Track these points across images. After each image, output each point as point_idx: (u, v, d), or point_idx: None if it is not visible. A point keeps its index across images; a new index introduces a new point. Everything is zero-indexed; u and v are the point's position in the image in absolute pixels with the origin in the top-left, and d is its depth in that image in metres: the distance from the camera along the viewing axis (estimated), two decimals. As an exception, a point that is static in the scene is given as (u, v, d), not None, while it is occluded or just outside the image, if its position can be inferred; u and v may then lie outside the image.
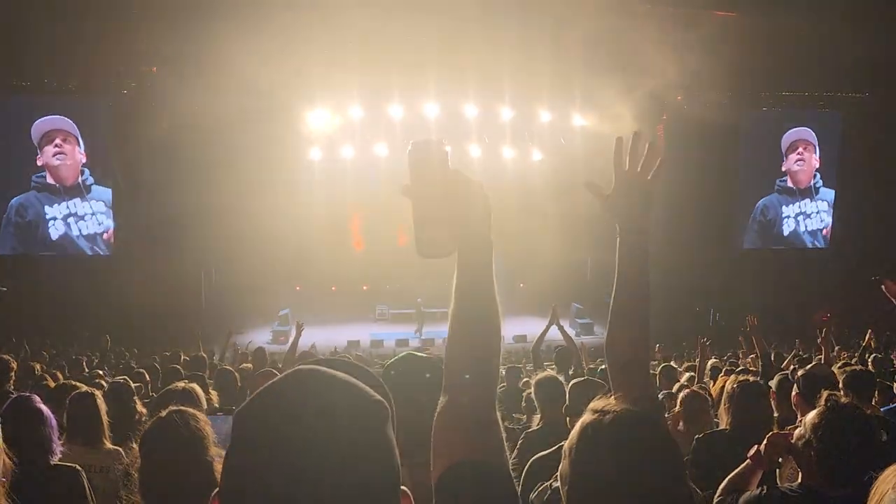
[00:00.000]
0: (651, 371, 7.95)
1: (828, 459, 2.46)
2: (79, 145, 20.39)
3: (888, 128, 21.80)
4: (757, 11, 20.45)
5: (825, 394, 2.72)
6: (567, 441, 1.64)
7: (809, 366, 5.07)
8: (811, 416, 2.59)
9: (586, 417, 1.61)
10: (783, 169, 23.81)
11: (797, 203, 23.93)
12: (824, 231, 24.07)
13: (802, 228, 24.03)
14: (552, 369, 7.02)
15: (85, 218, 20.63)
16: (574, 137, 23.73)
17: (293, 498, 0.92)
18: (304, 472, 0.92)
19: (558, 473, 1.63)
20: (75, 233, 20.61)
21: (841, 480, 2.43)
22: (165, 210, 20.90)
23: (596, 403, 1.63)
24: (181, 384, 3.90)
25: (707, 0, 20.36)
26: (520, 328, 22.25)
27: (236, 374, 7.02)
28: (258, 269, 24.09)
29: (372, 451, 0.98)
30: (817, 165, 23.77)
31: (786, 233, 23.96)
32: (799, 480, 2.57)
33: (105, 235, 20.93)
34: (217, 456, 2.45)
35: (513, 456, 4.02)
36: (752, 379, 4.21)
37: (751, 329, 7.12)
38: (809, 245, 24.14)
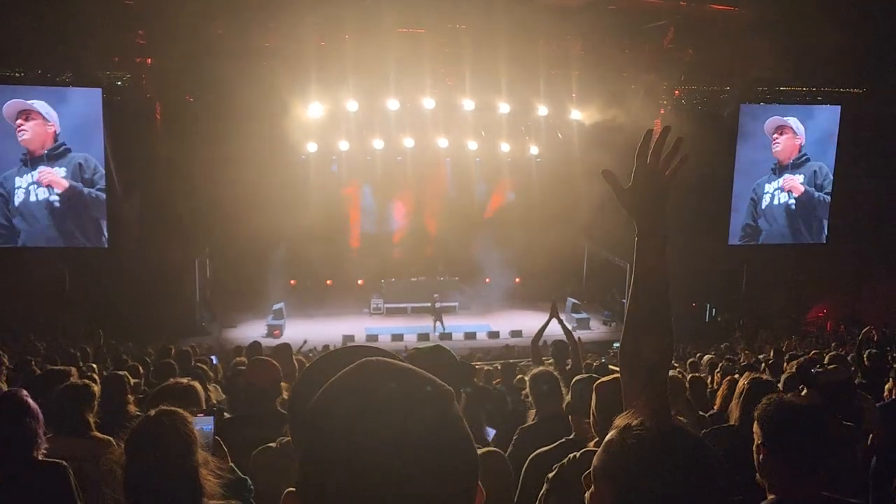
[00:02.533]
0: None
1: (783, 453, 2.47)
2: (45, 119, 20.38)
3: (887, 123, 21.77)
4: (756, 5, 20.40)
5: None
6: (598, 460, 1.53)
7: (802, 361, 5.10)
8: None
9: (626, 437, 1.50)
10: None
11: (778, 179, 23.99)
12: (791, 201, 24.12)
13: (776, 202, 24.06)
14: (550, 364, 6.96)
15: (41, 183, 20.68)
16: (571, 132, 23.68)
17: (378, 489, 0.91)
18: (389, 462, 0.92)
19: (587, 496, 1.55)
20: (32, 199, 20.63)
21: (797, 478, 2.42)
22: (159, 203, 20.83)
23: (622, 420, 1.55)
24: (184, 380, 3.84)
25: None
26: (516, 323, 22.24)
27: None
28: (252, 263, 24.03)
29: (453, 438, 0.98)
30: (800, 143, 23.77)
31: (763, 206, 23.99)
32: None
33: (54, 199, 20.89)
34: (203, 461, 2.44)
35: (508, 452, 3.96)
36: (765, 377, 4.31)
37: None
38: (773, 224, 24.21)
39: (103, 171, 20.85)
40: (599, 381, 3.70)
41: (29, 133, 20.31)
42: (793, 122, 23.62)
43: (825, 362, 5.66)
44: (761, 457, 2.53)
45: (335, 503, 0.94)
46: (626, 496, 1.45)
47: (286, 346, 6.74)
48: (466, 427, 1.02)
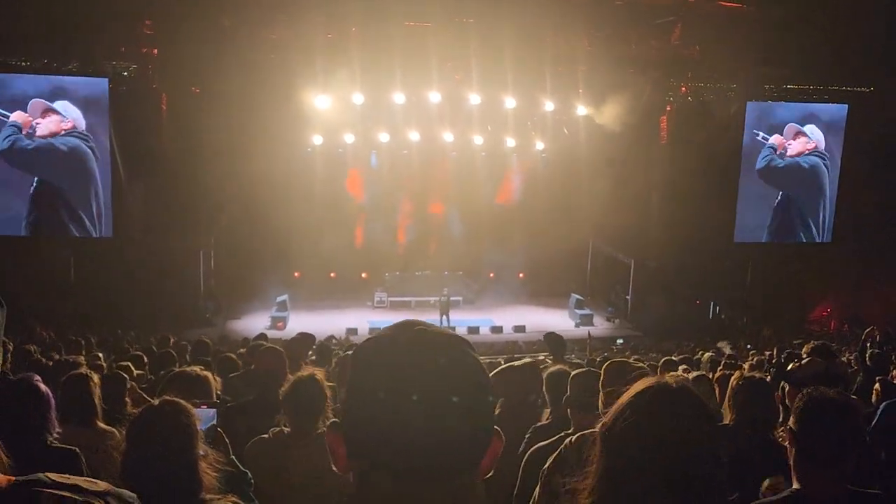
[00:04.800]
0: (653, 364, 7.89)
1: (808, 447, 2.45)
2: (62, 117, 20.44)
3: (894, 122, 21.68)
4: (763, 3, 20.35)
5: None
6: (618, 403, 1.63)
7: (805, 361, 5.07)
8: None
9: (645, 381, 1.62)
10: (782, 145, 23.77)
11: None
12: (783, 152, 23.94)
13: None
14: (550, 358, 6.94)
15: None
16: (577, 127, 23.65)
17: (400, 417, 1.08)
18: (409, 395, 1.08)
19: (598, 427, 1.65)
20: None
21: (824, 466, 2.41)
22: (165, 193, 20.87)
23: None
24: (198, 369, 3.86)
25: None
26: (520, 318, 22.25)
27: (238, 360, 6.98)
28: (257, 255, 24.06)
29: (475, 376, 1.14)
30: (813, 147, 23.66)
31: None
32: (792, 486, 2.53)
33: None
34: (203, 454, 2.44)
35: (520, 449, 3.98)
36: (757, 375, 4.19)
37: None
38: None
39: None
40: (575, 372, 3.72)
41: (42, 129, 20.43)
42: (809, 129, 23.55)
43: (802, 354, 5.60)
44: (789, 446, 2.53)
45: (366, 430, 1.10)
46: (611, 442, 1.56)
47: (310, 336, 6.74)
48: (483, 370, 1.17)
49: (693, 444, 1.50)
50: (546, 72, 21.16)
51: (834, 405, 2.49)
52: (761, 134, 23.49)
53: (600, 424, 1.62)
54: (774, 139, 23.52)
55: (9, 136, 20.21)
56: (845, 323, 22.18)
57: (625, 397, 1.60)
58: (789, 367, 4.57)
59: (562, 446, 3.08)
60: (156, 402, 2.50)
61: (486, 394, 1.15)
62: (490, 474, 1.19)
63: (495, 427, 1.17)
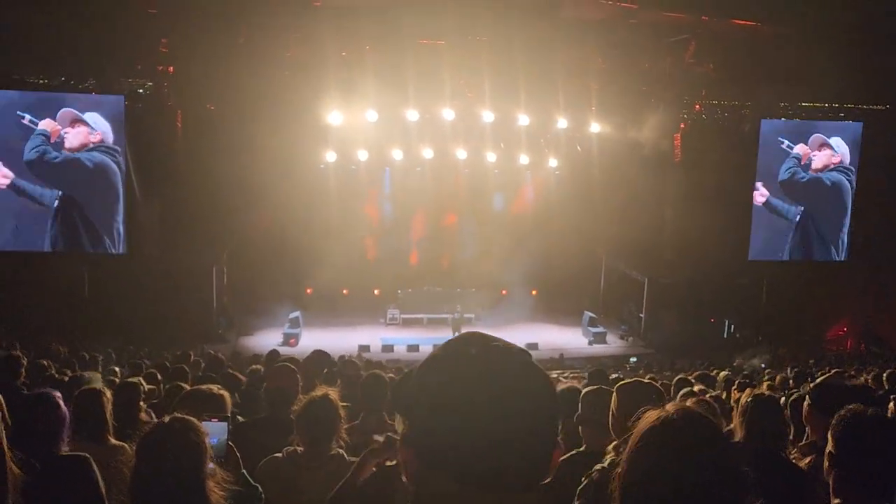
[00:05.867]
0: (666, 383, 7.83)
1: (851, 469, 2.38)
2: (91, 129, 20.60)
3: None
4: (777, 21, 20.32)
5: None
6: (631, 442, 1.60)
7: (822, 377, 5.01)
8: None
9: (649, 419, 1.59)
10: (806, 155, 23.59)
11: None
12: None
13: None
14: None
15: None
16: (590, 145, 23.64)
17: (467, 434, 1.11)
18: (476, 411, 1.11)
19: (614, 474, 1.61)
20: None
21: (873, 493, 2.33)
22: (179, 209, 21.00)
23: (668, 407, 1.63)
24: (214, 387, 3.89)
25: (728, 9, 20.21)
26: (532, 336, 22.15)
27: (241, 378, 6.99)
28: (269, 271, 24.11)
29: (544, 391, 1.18)
30: (838, 161, 23.48)
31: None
32: None
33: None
34: (211, 472, 2.46)
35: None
36: (767, 392, 4.21)
37: None
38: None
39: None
40: (621, 383, 3.69)
41: (70, 141, 20.55)
42: (835, 141, 23.41)
43: (816, 374, 5.53)
44: (829, 466, 2.46)
45: (432, 447, 1.14)
46: (634, 470, 1.53)
47: (325, 354, 6.72)
48: (551, 384, 1.20)
49: (709, 474, 1.47)
50: (559, 89, 21.17)
51: (874, 424, 2.43)
52: (786, 142, 23.33)
53: (616, 473, 1.60)
54: (799, 149, 23.33)
55: (37, 146, 20.36)
56: (862, 342, 22.00)
57: (633, 439, 1.58)
58: (815, 386, 4.49)
59: (593, 473, 3.04)
60: (166, 419, 2.51)
61: (555, 409, 1.19)
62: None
63: (558, 439, 1.20)
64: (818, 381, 5.12)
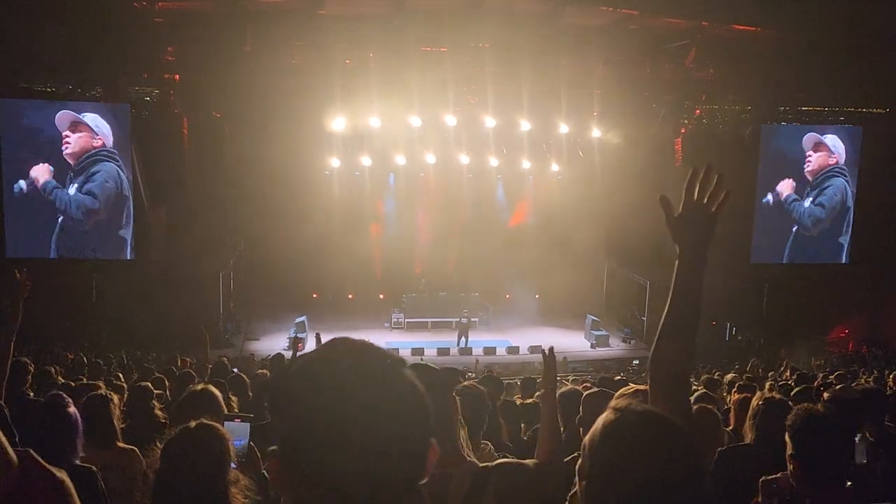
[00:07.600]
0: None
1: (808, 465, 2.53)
2: (93, 132, 20.60)
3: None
4: (777, 26, 20.44)
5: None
6: (588, 436, 1.60)
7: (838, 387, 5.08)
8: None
9: (609, 415, 1.59)
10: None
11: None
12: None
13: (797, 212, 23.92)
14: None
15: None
16: (592, 150, 23.77)
17: (338, 445, 1.10)
18: (346, 420, 1.11)
19: (577, 468, 1.61)
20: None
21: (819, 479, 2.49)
22: (185, 216, 21.13)
23: (618, 402, 1.63)
24: (205, 386, 3.88)
25: (728, 14, 20.33)
26: (535, 339, 22.24)
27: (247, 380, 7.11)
28: (275, 276, 24.26)
29: (413, 397, 1.19)
30: (834, 161, 23.57)
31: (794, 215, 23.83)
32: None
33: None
34: (234, 479, 2.45)
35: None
36: (777, 397, 4.30)
37: None
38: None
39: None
40: (587, 393, 3.76)
41: (73, 146, 20.53)
42: (830, 139, 23.49)
43: (817, 375, 5.61)
44: (792, 468, 2.58)
45: (305, 458, 1.12)
46: (595, 467, 1.52)
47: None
48: (419, 390, 1.21)
49: (661, 461, 1.46)
50: (561, 95, 21.32)
51: (822, 419, 2.58)
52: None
53: (578, 466, 1.59)
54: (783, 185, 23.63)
55: (54, 188, 20.64)
56: (864, 344, 22.06)
57: (589, 437, 1.58)
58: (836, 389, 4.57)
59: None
60: (192, 424, 2.51)
61: (425, 411, 1.18)
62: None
63: (431, 440, 1.20)
64: (835, 391, 5.17)
